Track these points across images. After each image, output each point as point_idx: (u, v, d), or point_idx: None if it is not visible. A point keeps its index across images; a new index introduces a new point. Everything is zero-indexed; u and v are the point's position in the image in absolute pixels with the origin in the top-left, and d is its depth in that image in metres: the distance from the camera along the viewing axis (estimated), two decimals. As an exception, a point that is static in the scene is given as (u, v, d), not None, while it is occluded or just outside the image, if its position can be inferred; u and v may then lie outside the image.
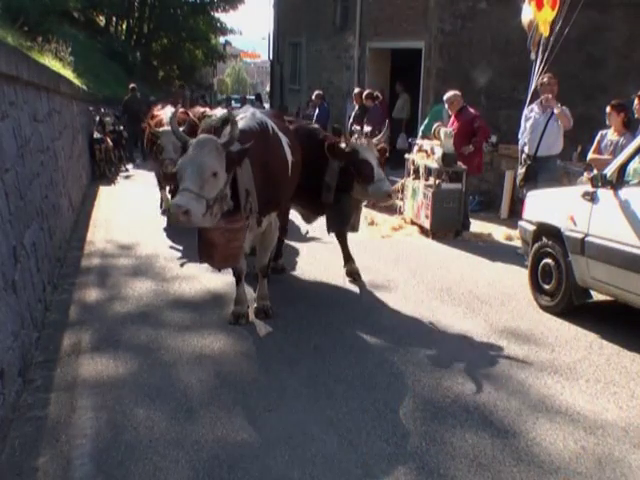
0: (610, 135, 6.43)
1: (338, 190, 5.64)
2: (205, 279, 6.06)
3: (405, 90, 13.49)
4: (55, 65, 9.35)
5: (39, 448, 3.31)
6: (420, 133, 9.72)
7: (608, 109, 6.43)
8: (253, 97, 26.78)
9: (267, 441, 3.41)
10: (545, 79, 7.12)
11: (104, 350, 4.48)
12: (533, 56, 7.57)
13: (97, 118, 13.08)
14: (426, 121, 9.88)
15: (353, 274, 6.08)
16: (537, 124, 7.08)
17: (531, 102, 7.38)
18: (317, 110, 13.23)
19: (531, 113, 7.19)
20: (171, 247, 7.34)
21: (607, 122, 6.49)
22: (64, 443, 3.36)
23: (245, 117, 4.83)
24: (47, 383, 3.99)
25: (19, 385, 3.77)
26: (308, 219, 6.40)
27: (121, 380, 4.07)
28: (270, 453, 3.30)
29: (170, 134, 7.02)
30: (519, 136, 7.42)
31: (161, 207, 8.88)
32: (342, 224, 5.90)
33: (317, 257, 6.88)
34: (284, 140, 5.03)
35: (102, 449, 3.31)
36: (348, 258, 6.14)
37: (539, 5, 7.36)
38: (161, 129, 7.71)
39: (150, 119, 8.87)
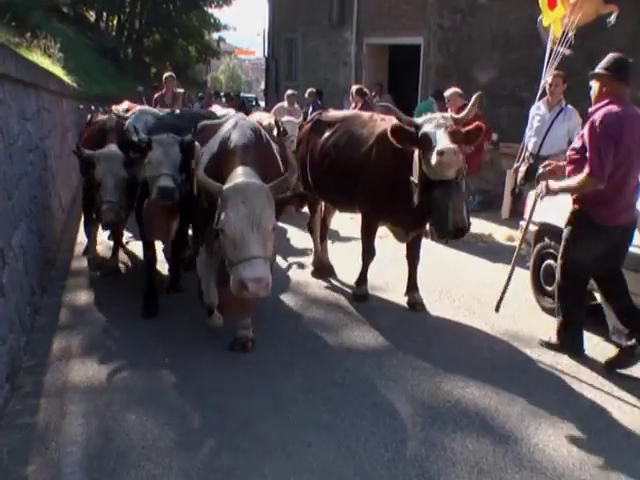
0: None
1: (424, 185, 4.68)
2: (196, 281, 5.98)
3: (386, 91, 13.41)
4: (44, 62, 9.23)
5: (28, 456, 3.25)
6: None
7: None
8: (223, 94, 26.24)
9: (262, 448, 3.35)
10: (549, 78, 7.03)
11: (95, 355, 4.40)
12: (562, 50, 7.41)
13: (89, 116, 12.89)
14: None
15: (416, 305, 5.41)
16: (542, 123, 7.01)
17: (540, 98, 7.30)
18: (311, 108, 13.13)
19: (537, 111, 7.13)
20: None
21: None
22: (54, 450, 3.30)
23: (237, 128, 4.24)
24: (36, 389, 3.92)
25: (7, 391, 3.71)
26: (402, 237, 5.40)
27: (112, 385, 4.00)
28: (266, 460, 3.25)
29: (112, 160, 5.17)
30: (526, 132, 7.34)
31: (88, 251, 6.33)
32: (441, 224, 4.66)
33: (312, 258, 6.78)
34: (274, 148, 4.57)
35: (93, 456, 3.26)
36: (413, 285, 5.50)
37: (552, 3, 7.23)
38: (98, 152, 5.29)
39: (88, 125, 6.50)
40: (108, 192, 5.15)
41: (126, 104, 7.41)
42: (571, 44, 7.38)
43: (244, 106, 18.09)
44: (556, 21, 7.31)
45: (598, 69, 4.20)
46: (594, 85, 4.28)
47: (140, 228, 5.15)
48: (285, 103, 10.88)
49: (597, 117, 4.04)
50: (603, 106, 4.09)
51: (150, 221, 4.89)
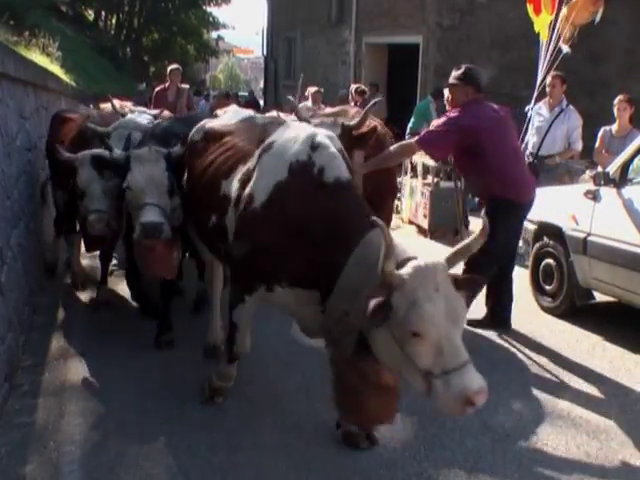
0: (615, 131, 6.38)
1: None
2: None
3: (384, 90, 13.32)
4: (42, 60, 9.18)
5: (27, 455, 3.24)
6: (408, 129, 9.66)
7: None
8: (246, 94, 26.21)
9: (262, 446, 3.34)
10: (548, 78, 7.06)
11: (93, 354, 4.37)
12: (565, 49, 7.50)
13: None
14: (413, 119, 9.82)
15: None
16: (543, 123, 7.02)
17: (537, 99, 7.32)
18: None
19: (539, 111, 7.14)
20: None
21: None
22: (52, 450, 3.29)
23: (321, 148, 3.14)
24: (35, 388, 3.90)
25: (6, 390, 3.69)
26: None
27: (111, 384, 3.97)
28: (265, 459, 3.24)
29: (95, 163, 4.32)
30: (528, 132, 7.36)
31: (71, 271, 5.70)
32: None
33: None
34: None
35: (91, 455, 3.24)
36: None
37: (537, 10, 7.43)
38: (81, 154, 4.48)
39: (61, 124, 5.59)
40: (95, 200, 4.38)
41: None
42: (572, 43, 7.45)
43: (258, 107, 17.99)
44: (543, 27, 7.49)
45: (452, 79, 4.59)
46: (448, 94, 4.72)
47: (128, 257, 4.46)
48: (309, 102, 9.32)
49: (457, 111, 4.49)
50: (463, 109, 4.48)
51: (144, 258, 4.17)
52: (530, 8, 7.65)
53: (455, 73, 4.58)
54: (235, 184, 3.36)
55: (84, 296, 5.51)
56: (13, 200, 4.51)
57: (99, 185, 4.41)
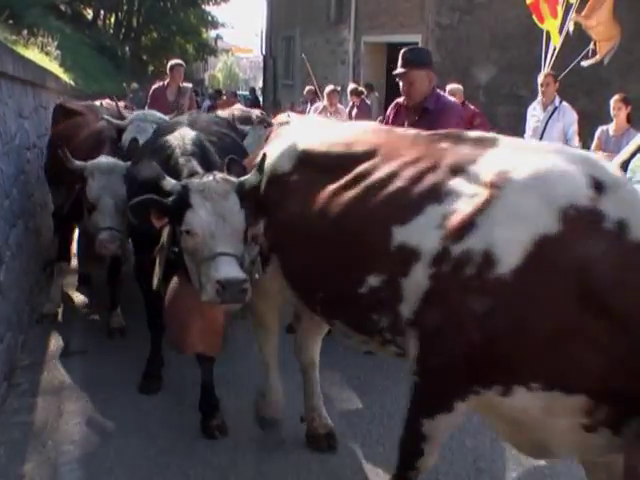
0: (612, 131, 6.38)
1: None
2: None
3: (373, 90, 13.28)
4: (41, 59, 9.16)
5: (25, 454, 3.24)
6: None
7: None
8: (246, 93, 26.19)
9: (261, 445, 3.35)
10: (541, 77, 7.08)
11: (92, 353, 4.38)
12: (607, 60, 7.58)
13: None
14: None
15: None
16: (539, 123, 7.03)
17: None
18: (309, 105, 13.08)
19: (534, 112, 7.16)
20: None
21: None
22: (51, 449, 3.29)
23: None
24: (33, 387, 3.90)
25: (4, 389, 3.70)
26: None
27: (110, 383, 3.98)
28: (264, 458, 3.24)
29: (111, 174, 3.96)
30: (526, 132, 7.40)
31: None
32: None
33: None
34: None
35: (90, 455, 3.24)
36: None
37: (540, 19, 7.51)
38: (92, 163, 4.05)
39: (59, 123, 5.35)
40: (107, 216, 3.90)
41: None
42: (589, 52, 7.54)
43: (258, 104, 18.03)
44: (553, 31, 7.55)
45: (407, 66, 3.90)
46: (406, 87, 3.95)
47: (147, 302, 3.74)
48: (325, 102, 8.83)
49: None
50: (436, 96, 4.03)
51: (186, 326, 3.09)
52: (535, 18, 7.77)
53: (408, 57, 3.84)
54: (431, 232, 2.21)
55: (82, 294, 5.49)
56: (12, 199, 4.51)
57: (111, 199, 3.94)
